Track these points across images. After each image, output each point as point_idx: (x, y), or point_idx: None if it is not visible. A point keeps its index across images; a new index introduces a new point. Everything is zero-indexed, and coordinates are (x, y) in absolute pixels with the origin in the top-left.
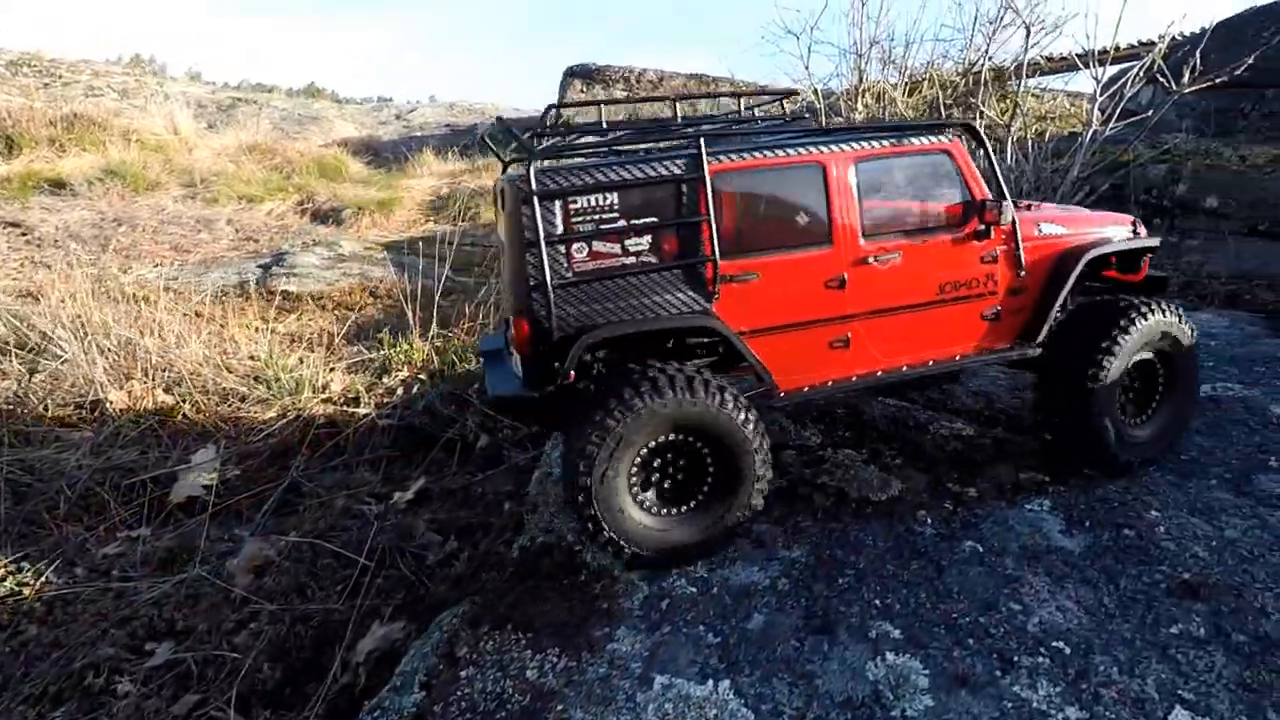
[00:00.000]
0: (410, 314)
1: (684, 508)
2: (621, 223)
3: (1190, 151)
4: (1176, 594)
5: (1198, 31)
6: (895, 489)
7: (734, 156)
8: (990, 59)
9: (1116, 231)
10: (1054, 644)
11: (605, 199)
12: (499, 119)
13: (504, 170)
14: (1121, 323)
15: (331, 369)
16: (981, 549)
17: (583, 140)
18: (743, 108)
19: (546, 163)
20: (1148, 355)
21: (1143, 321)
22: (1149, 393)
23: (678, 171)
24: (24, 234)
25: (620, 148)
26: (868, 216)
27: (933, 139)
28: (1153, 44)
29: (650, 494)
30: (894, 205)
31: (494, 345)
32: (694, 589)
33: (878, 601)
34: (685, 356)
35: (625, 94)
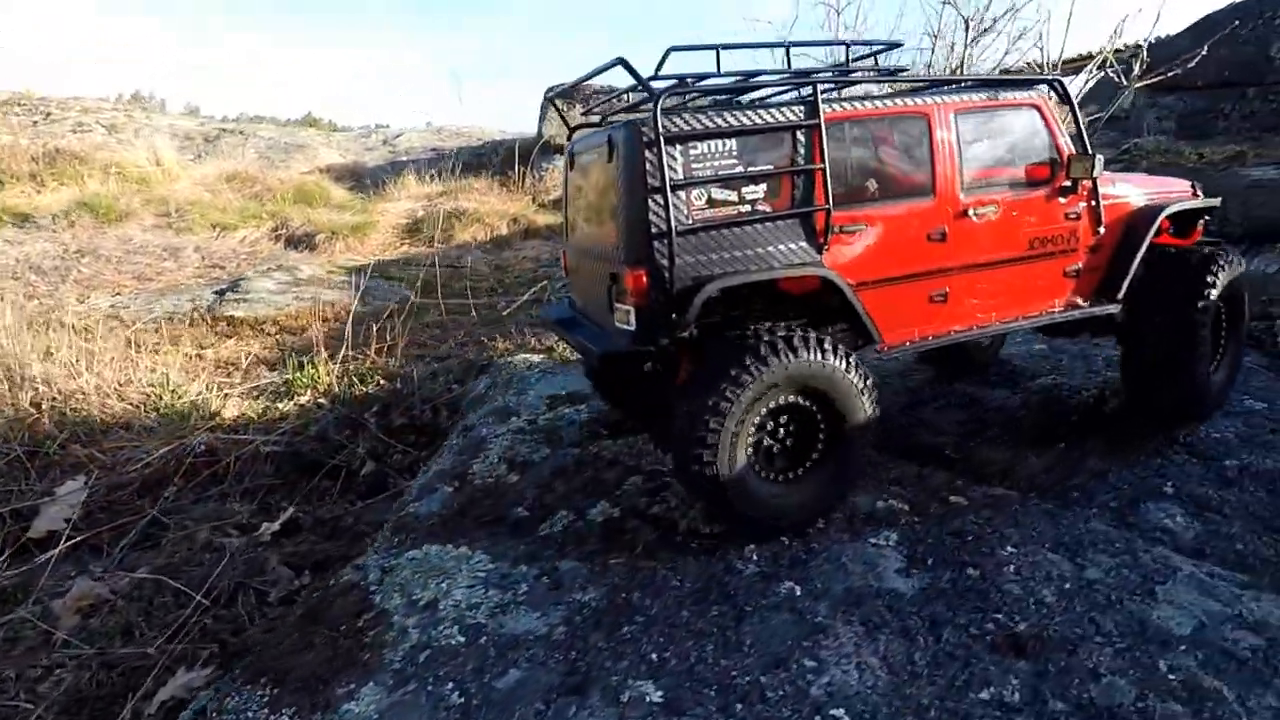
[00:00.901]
0: (350, 336)
1: (796, 472)
2: (740, 169)
3: (1150, 151)
4: (1000, 649)
5: (1177, 32)
6: None
7: (845, 105)
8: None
9: (1179, 194)
10: (833, 712)
11: (725, 145)
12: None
13: (570, 135)
14: (1212, 270)
15: (227, 395)
16: (799, 591)
17: (704, 83)
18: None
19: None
20: (1221, 304)
21: (1229, 268)
22: (1218, 338)
23: (795, 118)
24: None
25: (736, 94)
26: (967, 169)
27: (1024, 94)
28: (1136, 47)
29: (762, 458)
30: (989, 159)
31: (561, 314)
32: (462, 638)
33: (653, 655)
34: (780, 307)
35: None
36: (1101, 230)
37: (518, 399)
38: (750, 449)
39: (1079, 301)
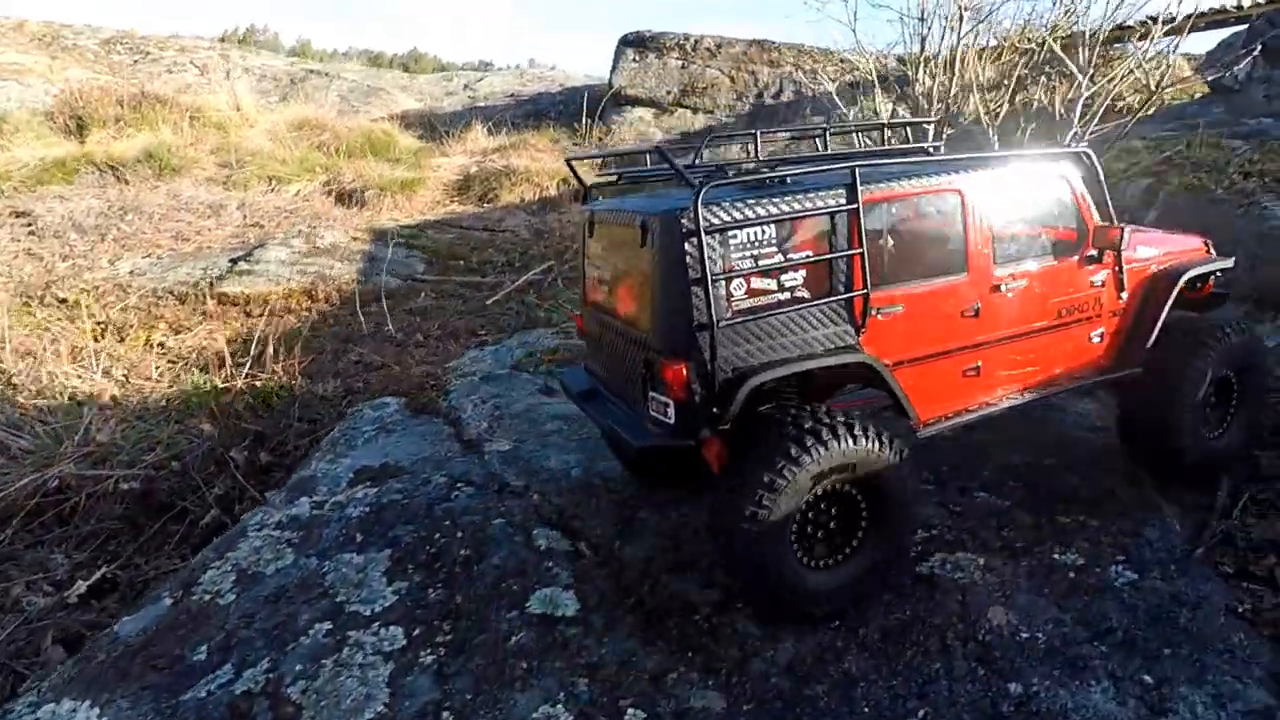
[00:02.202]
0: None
1: (837, 558)
2: (779, 257)
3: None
4: None
5: None
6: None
7: (881, 186)
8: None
9: (1193, 252)
10: None
11: (764, 233)
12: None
13: (584, 199)
14: (1210, 342)
15: (110, 416)
16: None
17: (742, 177)
18: (885, 138)
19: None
20: (1227, 372)
21: (1229, 341)
22: (1226, 405)
23: (833, 204)
24: (29, 224)
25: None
26: (999, 244)
27: (1049, 164)
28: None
29: (804, 545)
30: (1020, 231)
31: (581, 385)
32: None
33: None
34: (813, 387)
35: (680, 62)
36: (1124, 296)
37: (329, 466)
38: (794, 535)
39: (1103, 366)
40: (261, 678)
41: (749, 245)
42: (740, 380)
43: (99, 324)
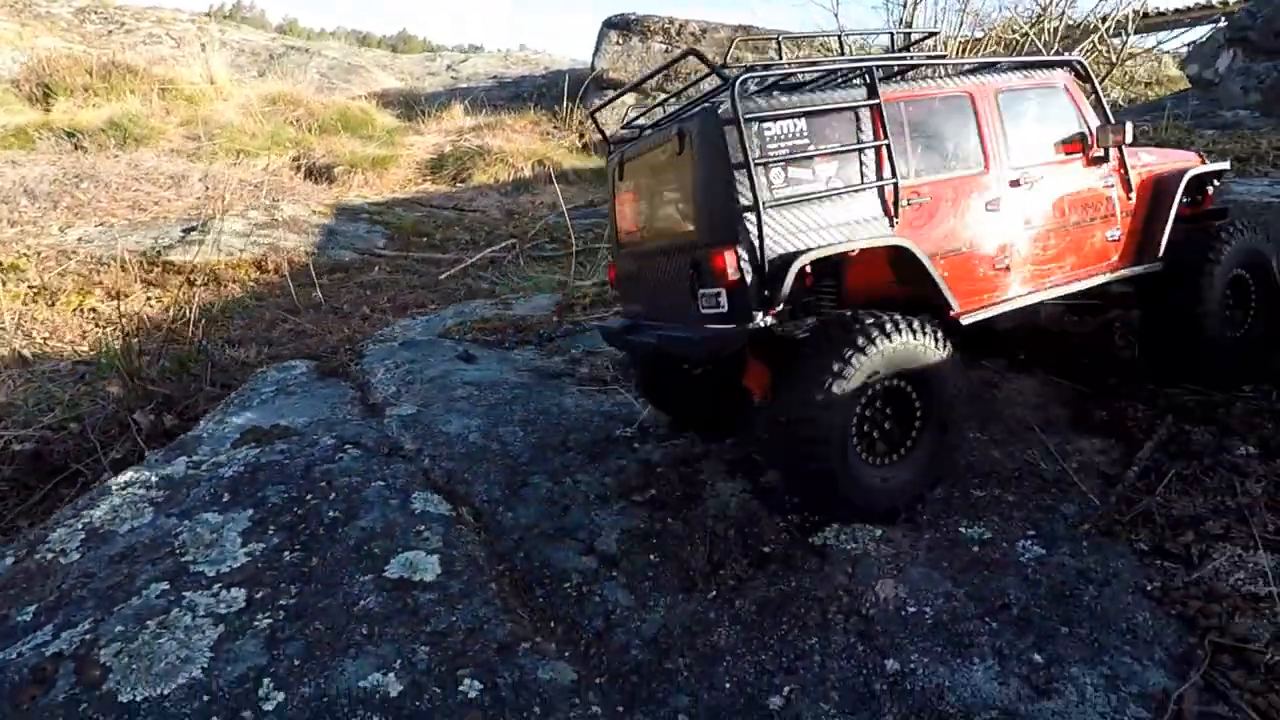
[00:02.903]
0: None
1: (896, 455)
2: (811, 148)
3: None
4: None
5: None
6: None
7: (899, 86)
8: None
9: (1190, 163)
10: None
11: (796, 126)
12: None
13: (608, 149)
14: (1225, 236)
15: (13, 373)
16: None
17: (773, 70)
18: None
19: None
20: (1241, 271)
21: (1242, 237)
22: (1245, 305)
23: (858, 99)
24: None
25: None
26: (1010, 143)
27: (1049, 73)
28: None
29: (864, 445)
30: (1029, 134)
31: (618, 325)
32: None
33: None
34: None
35: (665, 46)
36: (1133, 197)
37: (216, 427)
38: (854, 432)
39: (1125, 262)
40: (78, 639)
41: (783, 137)
42: (788, 262)
43: (32, 288)
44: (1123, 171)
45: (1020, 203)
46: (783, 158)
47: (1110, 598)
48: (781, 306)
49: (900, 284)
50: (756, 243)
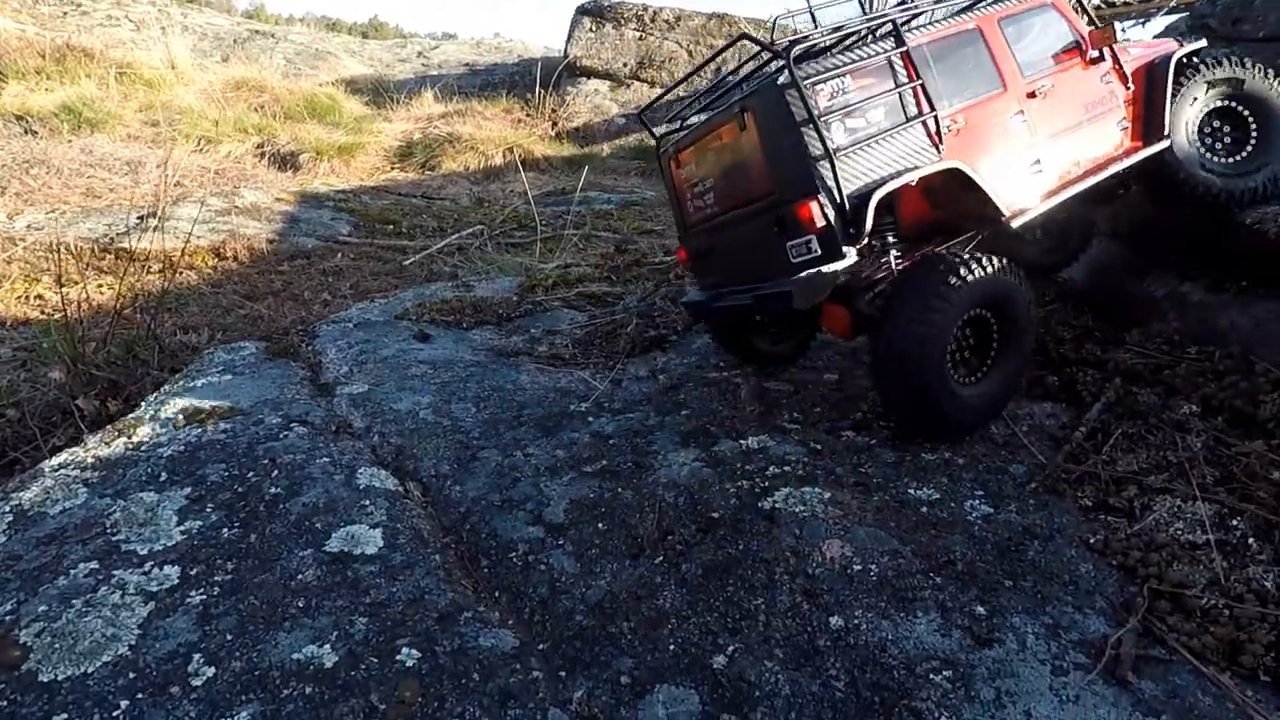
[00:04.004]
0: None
1: (979, 374)
2: (860, 99)
3: None
4: None
5: None
6: None
7: (919, 31)
8: None
9: (1172, 48)
10: None
11: (843, 82)
12: None
13: (658, 144)
14: (1198, 69)
15: None
16: None
17: (814, 41)
18: None
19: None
20: (1228, 103)
21: (1218, 69)
22: (1242, 140)
23: (889, 48)
24: None
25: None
26: (1020, 60)
27: None
28: None
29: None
30: (1034, 50)
31: (702, 298)
32: None
33: None
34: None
35: (638, 33)
36: (1132, 86)
37: (158, 408)
38: (949, 359)
39: (1139, 146)
40: None
41: (835, 94)
42: (865, 200)
43: None
44: (1118, 67)
45: (1039, 111)
46: (838, 112)
47: (1054, 552)
48: (866, 240)
49: (936, 209)
50: (834, 187)
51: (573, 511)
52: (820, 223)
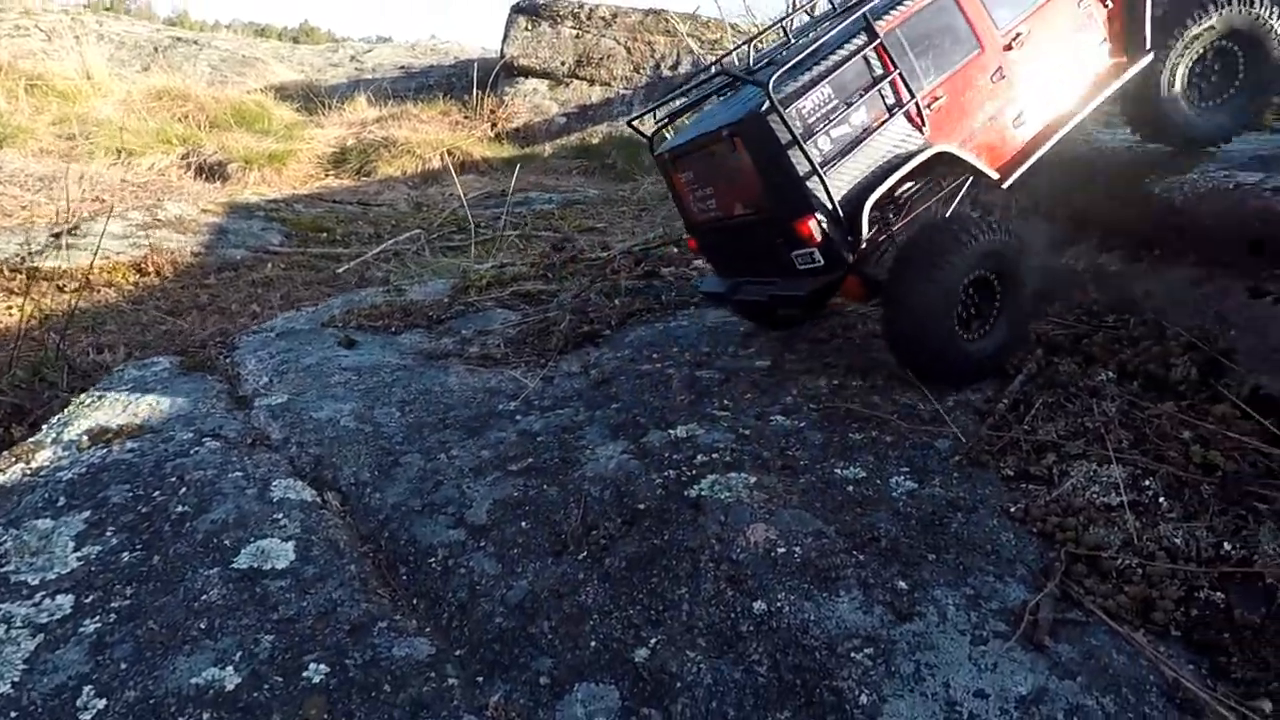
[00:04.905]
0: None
1: (984, 330)
2: (839, 104)
3: None
4: None
5: None
6: None
7: (888, 16)
8: None
9: None
10: None
11: (823, 92)
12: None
13: (651, 146)
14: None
15: None
16: None
17: (792, 61)
18: None
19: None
20: (1225, 42)
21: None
22: (1229, 77)
23: (861, 43)
24: None
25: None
26: (994, 14)
27: None
28: None
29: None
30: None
31: (718, 287)
32: None
33: None
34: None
35: (575, 31)
36: (1110, 3)
37: (60, 430)
38: (956, 317)
39: (1122, 64)
40: None
41: (818, 108)
42: (858, 207)
43: None
44: None
45: (1018, 59)
46: (823, 124)
47: (976, 523)
48: (865, 244)
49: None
50: (827, 202)
51: (496, 512)
52: (819, 237)
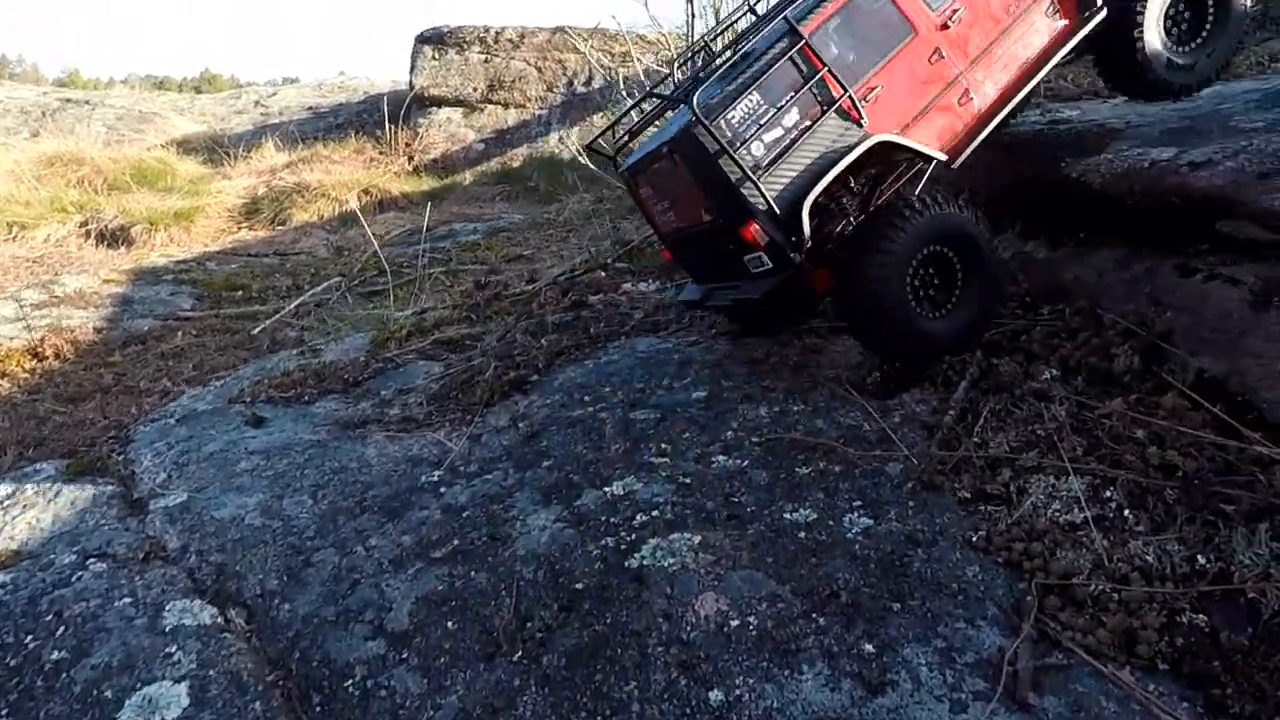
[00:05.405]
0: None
1: (947, 308)
2: (769, 109)
3: None
4: None
5: None
6: None
7: (814, 14)
8: None
9: None
10: None
11: (751, 99)
12: None
13: (615, 164)
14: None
15: None
16: None
17: (715, 77)
18: None
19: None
20: None
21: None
22: (1199, 24)
23: (785, 46)
24: None
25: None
26: None
27: None
28: None
29: (919, 301)
30: None
31: (696, 294)
32: None
33: None
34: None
35: (483, 56)
36: None
37: None
38: (910, 291)
39: (1072, 28)
40: None
41: (748, 115)
42: (797, 208)
43: None
44: None
45: (957, 38)
46: (753, 130)
47: (939, 558)
48: (809, 242)
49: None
50: (765, 206)
51: (419, 613)
52: (763, 240)
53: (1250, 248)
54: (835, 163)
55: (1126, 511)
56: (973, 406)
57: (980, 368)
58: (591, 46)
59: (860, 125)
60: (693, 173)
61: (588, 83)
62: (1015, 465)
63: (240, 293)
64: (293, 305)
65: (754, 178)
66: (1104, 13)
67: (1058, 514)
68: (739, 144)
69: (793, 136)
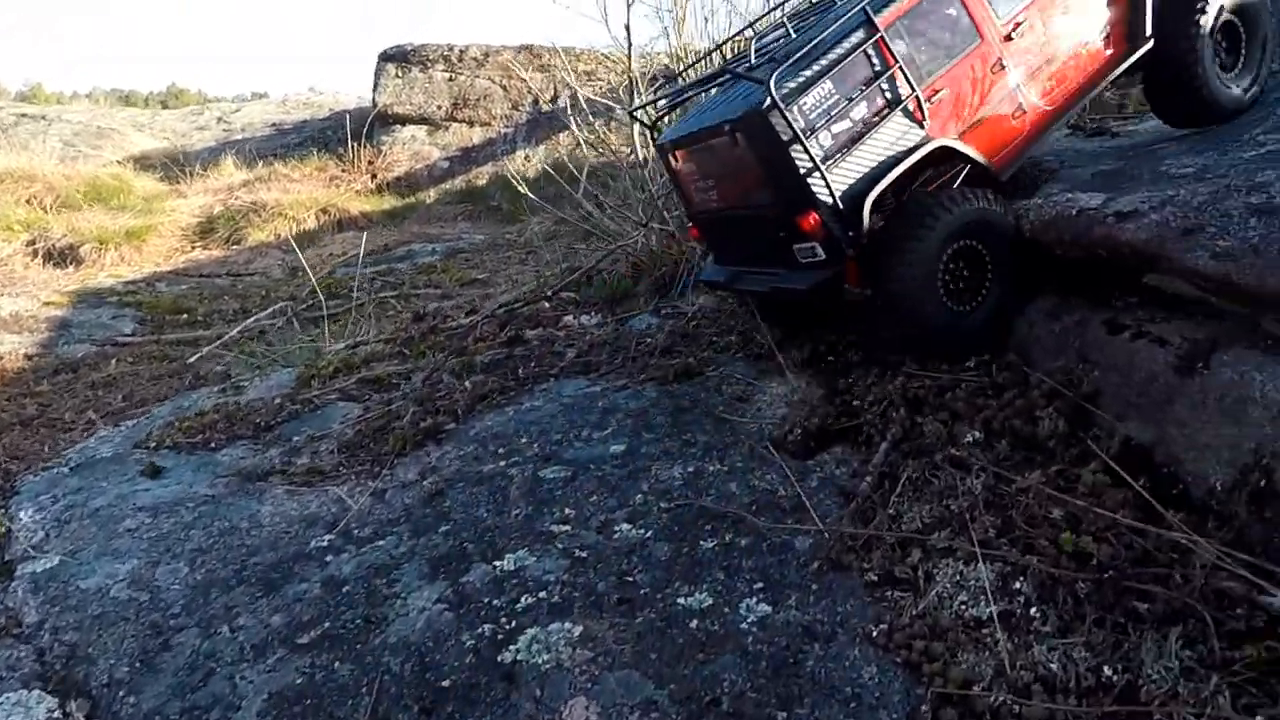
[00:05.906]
0: None
1: (976, 301)
2: (841, 100)
3: None
4: None
5: None
6: None
7: (888, 10)
8: None
9: None
10: None
11: (824, 88)
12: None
13: (652, 135)
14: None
15: None
16: None
17: (794, 57)
18: None
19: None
20: (1230, 17)
21: None
22: (1237, 49)
23: (861, 37)
24: None
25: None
26: (994, 5)
27: None
28: None
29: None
30: None
31: (719, 274)
32: None
33: None
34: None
35: (447, 74)
36: None
37: None
38: (941, 286)
39: (1123, 52)
40: None
41: (818, 104)
42: (859, 202)
43: None
44: None
45: (1019, 51)
46: (824, 120)
47: (835, 656)
48: (865, 237)
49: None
50: (829, 197)
51: (269, 713)
52: (823, 233)
53: (1178, 303)
54: (899, 161)
55: (1034, 609)
56: (892, 471)
57: (903, 426)
58: (556, 65)
59: (922, 127)
60: (757, 154)
61: (554, 100)
62: (926, 545)
63: (185, 316)
64: (235, 331)
65: (823, 168)
66: (1151, 43)
67: (964, 607)
68: (810, 133)
69: (859, 130)
